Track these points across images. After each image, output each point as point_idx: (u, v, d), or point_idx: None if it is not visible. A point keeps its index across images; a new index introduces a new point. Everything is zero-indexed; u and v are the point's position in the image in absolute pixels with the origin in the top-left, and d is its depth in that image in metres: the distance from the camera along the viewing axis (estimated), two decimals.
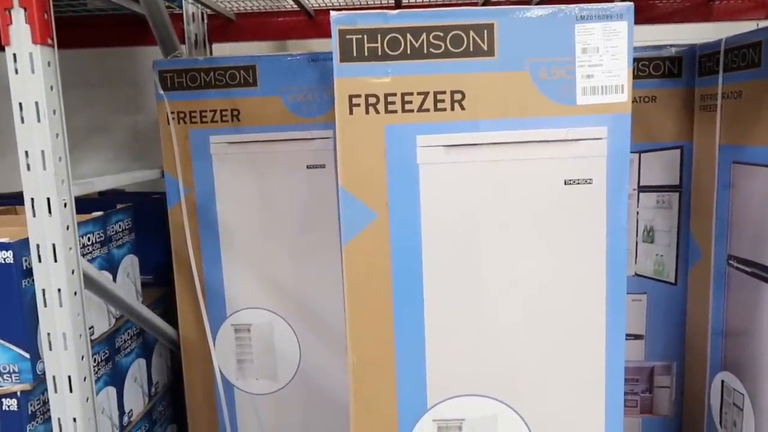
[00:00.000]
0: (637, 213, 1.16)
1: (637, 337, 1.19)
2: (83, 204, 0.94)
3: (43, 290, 0.83)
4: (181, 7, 1.38)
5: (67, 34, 1.39)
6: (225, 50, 1.49)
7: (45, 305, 0.84)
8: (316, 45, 1.49)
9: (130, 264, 1.15)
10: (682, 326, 1.18)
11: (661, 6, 1.41)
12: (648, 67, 1.12)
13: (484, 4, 1.29)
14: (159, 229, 1.25)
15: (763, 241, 0.95)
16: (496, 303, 0.81)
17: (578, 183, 0.78)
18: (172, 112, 1.14)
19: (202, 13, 1.41)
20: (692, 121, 1.13)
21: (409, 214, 0.78)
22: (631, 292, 1.14)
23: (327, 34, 1.43)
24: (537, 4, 1.31)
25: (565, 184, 0.78)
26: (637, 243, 1.17)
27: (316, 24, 1.43)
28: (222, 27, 1.44)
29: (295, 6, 1.33)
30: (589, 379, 0.83)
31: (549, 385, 0.83)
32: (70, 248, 0.84)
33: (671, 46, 1.13)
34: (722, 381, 1.07)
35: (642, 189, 1.16)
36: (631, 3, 0.76)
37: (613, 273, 0.80)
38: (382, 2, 1.37)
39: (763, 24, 1.40)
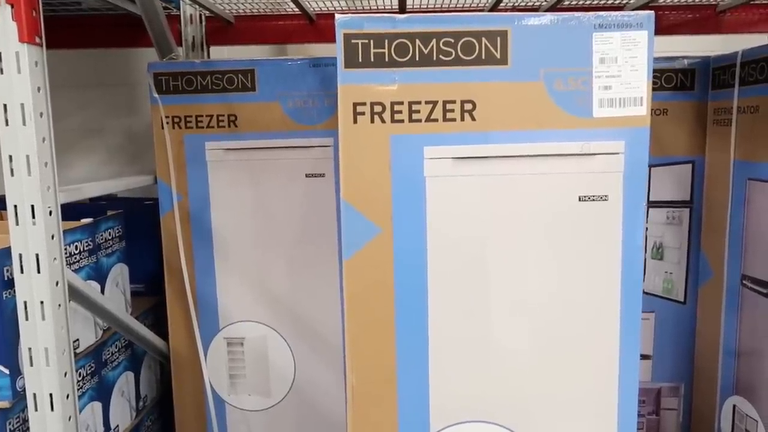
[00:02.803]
0: (646, 229, 1.13)
1: (644, 357, 1.15)
2: (72, 210, 0.90)
3: (25, 303, 0.79)
4: (178, 9, 1.34)
5: (61, 34, 1.35)
6: (223, 53, 1.45)
7: (26, 318, 0.79)
8: (317, 50, 1.46)
9: (119, 273, 1.10)
10: (690, 347, 1.14)
11: (670, 17, 1.38)
12: (660, 79, 1.09)
13: (491, 10, 1.26)
14: (151, 236, 1.20)
15: None
16: (505, 323, 0.77)
17: (593, 199, 0.74)
18: (167, 117, 1.09)
19: (201, 15, 1.37)
20: (704, 135, 1.10)
21: (414, 229, 0.74)
22: None
23: (328, 39, 1.41)
24: (546, 11, 1.28)
25: (580, 200, 0.74)
26: (645, 260, 1.13)
27: (317, 28, 1.39)
28: (220, 30, 1.40)
29: (296, 9, 1.29)
30: (601, 404, 0.79)
31: (559, 409, 0.79)
32: (55, 258, 0.80)
33: (683, 57, 1.10)
34: (734, 405, 1.03)
35: (652, 204, 1.12)
36: (652, 12, 0.72)
37: (629, 293, 0.76)
38: (386, 7, 1.33)
39: None
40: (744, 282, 1.00)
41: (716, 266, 1.07)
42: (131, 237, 1.14)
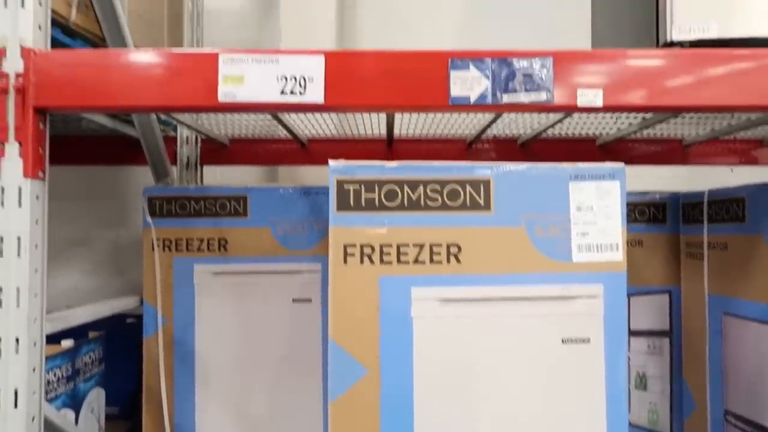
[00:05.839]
0: (629, 358, 1.14)
1: None
2: None
3: None
4: (175, 131, 1.40)
5: (57, 150, 1.39)
6: (216, 173, 1.50)
7: None
8: (307, 171, 1.52)
9: (95, 398, 1.07)
10: None
11: (640, 149, 1.48)
12: (634, 211, 1.15)
13: (473, 141, 1.34)
14: (130, 356, 1.18)
15: (761, 399, 0.92)
16: None
17: (576, 342, 0.76)
18: (158, 239, 1.11)
19: (196, 137, 1.43)
20: (679, 266, 1.14)
21: (401, 370, 0.74)
22: None
23: (318, 162, 1.47)
24: (524, 142, 1.36)
25: (563, 342, 0.76)
26: (629, 390, 1.13)
27: (308, 152, 1.46)
28: (215, 150, 1.45)
29: (289, 135, 1.36)
30: None
31: None
32: (34, 392, 0.78)
33: (655, 192, 1.16)
34: None
35: (632, 333, 1.14)
36: (623, 164, 0.78)
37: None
38: (375, 135, 1.40)
39: (737, 169, 1.47)
40: (727, 417, 1.00)
41: (699, 398, 1.07)
42: (110, 356, 1.12)
